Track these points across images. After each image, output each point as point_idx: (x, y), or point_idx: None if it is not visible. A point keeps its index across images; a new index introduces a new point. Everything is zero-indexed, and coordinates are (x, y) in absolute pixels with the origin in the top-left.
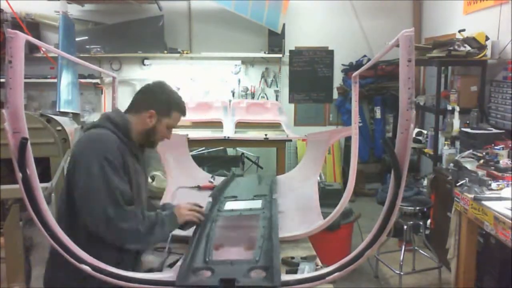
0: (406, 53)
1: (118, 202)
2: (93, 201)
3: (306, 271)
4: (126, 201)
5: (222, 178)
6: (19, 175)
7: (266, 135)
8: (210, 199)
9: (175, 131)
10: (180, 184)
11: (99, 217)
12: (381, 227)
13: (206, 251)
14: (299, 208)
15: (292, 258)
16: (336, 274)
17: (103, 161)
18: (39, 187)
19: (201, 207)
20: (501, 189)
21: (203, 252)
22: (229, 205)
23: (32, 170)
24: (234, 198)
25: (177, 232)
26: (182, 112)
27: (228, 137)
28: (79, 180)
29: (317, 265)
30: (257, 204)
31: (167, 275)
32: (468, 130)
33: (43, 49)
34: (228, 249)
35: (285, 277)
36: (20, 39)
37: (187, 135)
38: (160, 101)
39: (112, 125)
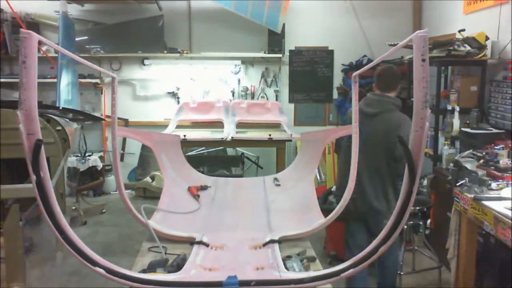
0: (420, 53)
1: None
2: None
3: (296, 269)
4: None
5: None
6: (33, 178)
7: (270, 135)
8: None
9: (176, 131)
10: (175, 185)
11: None
12: (395, 223)
13: None
14: (297, 208)
15: (290, 257)
16: (350, 270)
17: None
18: (52, 190)
19: None
20: (501, 189)
21: None
22: None
23: (45, 172)
24: None
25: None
26: None
27: (230, 137)
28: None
29: (302, 261)
30: None
31: (178, 276)
32: (468, 130)
33: (43, 49)
34: None
35: (299, 275)
36: (33, 39)
37: (179, 136)
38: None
39: (397, 108)
